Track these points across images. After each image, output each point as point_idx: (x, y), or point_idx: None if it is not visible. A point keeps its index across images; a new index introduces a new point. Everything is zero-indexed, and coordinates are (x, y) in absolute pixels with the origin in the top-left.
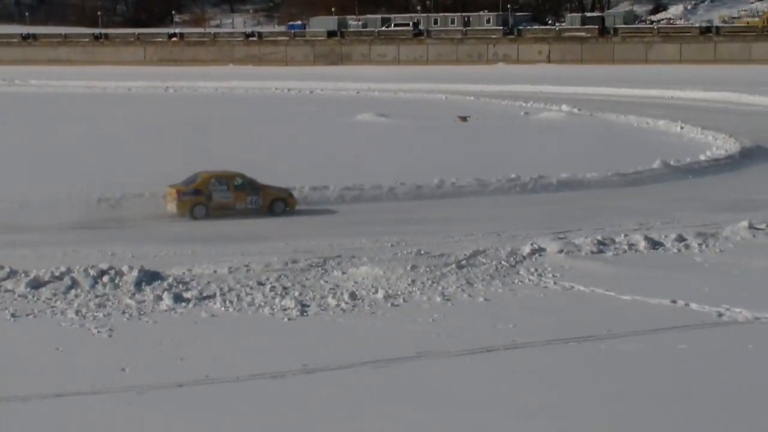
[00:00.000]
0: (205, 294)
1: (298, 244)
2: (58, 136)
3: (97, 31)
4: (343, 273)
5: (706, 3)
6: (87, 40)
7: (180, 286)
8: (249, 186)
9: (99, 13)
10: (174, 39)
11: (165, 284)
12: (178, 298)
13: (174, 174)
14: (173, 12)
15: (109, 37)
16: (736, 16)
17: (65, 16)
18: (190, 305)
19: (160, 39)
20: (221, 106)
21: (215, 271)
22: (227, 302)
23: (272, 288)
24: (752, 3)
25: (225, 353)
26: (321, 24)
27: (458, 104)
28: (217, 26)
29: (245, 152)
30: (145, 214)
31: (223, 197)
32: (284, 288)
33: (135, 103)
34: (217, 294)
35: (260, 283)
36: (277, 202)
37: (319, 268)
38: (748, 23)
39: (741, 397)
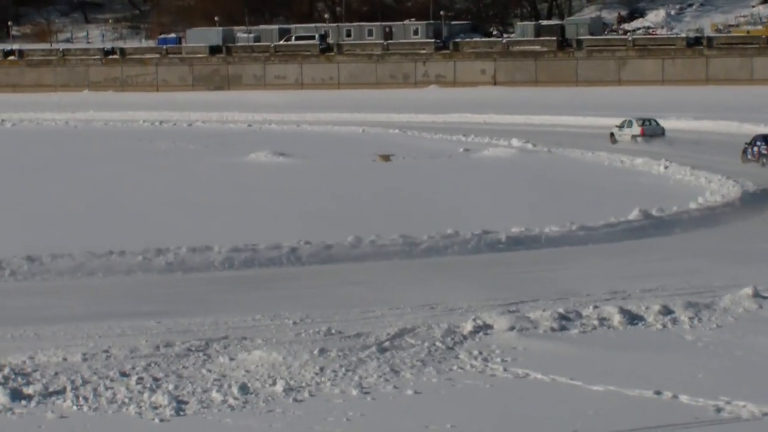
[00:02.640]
0: (51, 389)
1: (172, 322)
2: None
3: None
4: (232, 359)
5: (694, 7)
6: None
7: (19, 378)
8: None
9: None
10: (12, 57)
11: (0, 377)
12: (16, 395)
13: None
14: (10, 23)
15: None
16: (732, 23)
17: None
18: (33, 403)
19: None
20: (72, 144)
21: (65, 359)
22: (81, 399)
23: (139, 379)
24: (754, 6)
25: None
26: (201, 37)
27: (379, 139)
28: (68, 41)
29: (101, 202)
30: None
31: None
32: (155, 379)
33: None
34: (68, 388)
35: (124, 374)
36: None
37: (201, 353)
38: (748, 32)
39: None
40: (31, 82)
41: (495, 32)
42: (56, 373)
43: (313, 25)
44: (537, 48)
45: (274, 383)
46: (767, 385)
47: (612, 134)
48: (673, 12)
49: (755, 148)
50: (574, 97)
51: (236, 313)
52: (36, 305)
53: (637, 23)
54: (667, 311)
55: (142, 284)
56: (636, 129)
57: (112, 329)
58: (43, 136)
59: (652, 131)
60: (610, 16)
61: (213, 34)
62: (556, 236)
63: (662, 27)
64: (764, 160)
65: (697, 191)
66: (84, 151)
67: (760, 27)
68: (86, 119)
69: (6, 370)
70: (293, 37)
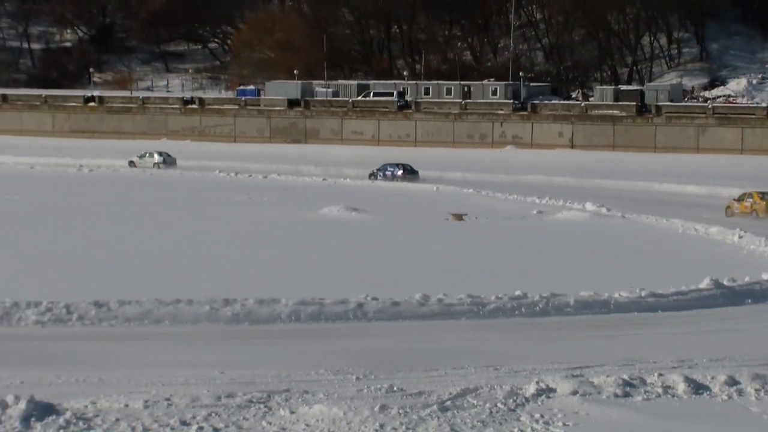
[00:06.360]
0: None
1: (235, 373)
2: None
3: None
4: (292, 413)
5: None
6: None
7: (80, 423)
8: None
9: None
10: (92, 104)
11: (61, 420)
12: None
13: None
14: (91, 70)
15: (8, 99)
16: None
17: None
18: None
19: (74, 103)
20: (147, 192)
21: (127, 405)
22: None
23: (199, 429)
24: None
25: None
26: (280, 90)
27: (453, 198)
28: (148, 89)
29: (171, 250)
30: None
31: None
32: (215, 429)
33: (38, 185)
34: None
35: (184, 423)
36: None
37: (262, 405)
38: None
39: None
40: (111, 129)
41: (574, 95)
42: (117, 420)
43: (391, 81)
44: (615, 112)
45: None
46: None
47: (132, 162)
48: (754, 81)
49: (387, 172)
50: (652, 163)
51: (300, 367)
52: (102, 350)
53: (718, 91)
54: (733, 382)
55: (208, 334)
56: (159, 158)
57: (176, 377)
58: (119, 183)
59: (170, 161)
60: (690, 83)
61: (292, 87)
62: (625, 302)
63: (743, 96)
64: (397, 180)
65: None
66: (158, 200)
67: None
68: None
69: (68, 414)
70: (371, 93)
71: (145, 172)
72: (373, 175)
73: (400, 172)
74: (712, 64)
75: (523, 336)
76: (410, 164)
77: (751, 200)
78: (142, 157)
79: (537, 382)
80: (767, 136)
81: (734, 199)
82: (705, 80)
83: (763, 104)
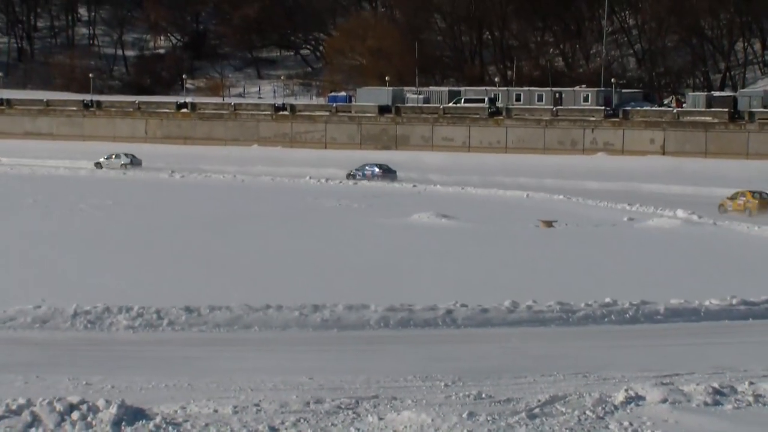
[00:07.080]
0: None
1: (324, 379)
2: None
3: (87, 97)
4: (380, 419)
5: None
6: (74, 108)
7: (170, 428)
8: None
9: (91, 75)
10: (184, 110)
11: (151, 425)
12: None
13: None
14: (184, 76)
15: (102, 106)
16: None
17: (48, 79)
18: None
19: (167, 110)
20: (238, 198)
21: (216, 410)
22: None
23: None
24: None
25: None
26: (371, 96)
27: (543, 205)
28: (240, 96)
29: (261, 257)
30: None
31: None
32: None
33: (130, 191)
34: None
35: (273, 428)
36: None
37: (350, 411)
38: None
39: None
40: (202, 135)
41: (666, 102)
42: (206, 425)
43: (483, 88)
44: (708, 119)
45: None
46: None
47: (98, 163)
48: None
49: (366, 172)
50: (744, 170)
51: (388, 373)
52: (192, 356)
53: None
54: None
55: (297, 340)
56: (126, 159)
57: (265, 383)
58: (210, 189)
59: (136, 162)
60: None
61: (383, 94)
62: (716, 309)
63: None
64: (377, 179)
65: None
66: (249, 206)
67: None
68: (253, 174)
69: (158, 419)
70: (463, 100)
71: (236, 178)
72: (351, 176)
73: (378, 172)
74: None
75: (612, 343)
76: (387, 164)
77: (744, 198)
78: (108, 158)
79: (626, 390)
80: None
81: (727, 198)
82: None
83: None
